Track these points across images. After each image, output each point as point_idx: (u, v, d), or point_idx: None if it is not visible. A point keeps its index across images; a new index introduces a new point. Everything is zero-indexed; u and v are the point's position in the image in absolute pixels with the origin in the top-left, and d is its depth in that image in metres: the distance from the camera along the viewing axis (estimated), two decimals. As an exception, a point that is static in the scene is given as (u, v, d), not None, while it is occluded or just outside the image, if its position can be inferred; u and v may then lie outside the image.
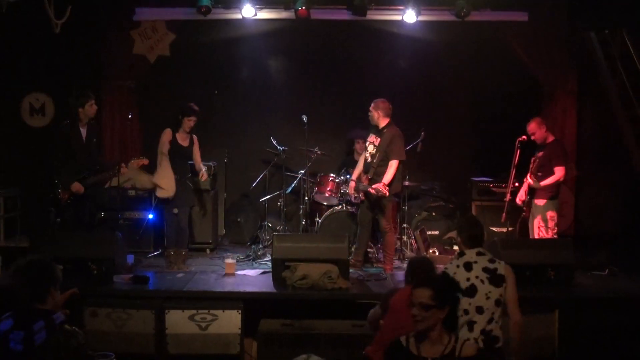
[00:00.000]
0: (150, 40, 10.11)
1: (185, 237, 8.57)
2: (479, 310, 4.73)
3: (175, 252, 8.06)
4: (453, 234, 9.76)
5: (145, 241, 9.24)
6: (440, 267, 5.22)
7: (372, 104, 8.04)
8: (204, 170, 8.38)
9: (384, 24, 10.09)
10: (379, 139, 7.98)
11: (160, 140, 8.25)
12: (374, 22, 10.01)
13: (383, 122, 8.04)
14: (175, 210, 8.36)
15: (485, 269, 4.82)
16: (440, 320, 3.65)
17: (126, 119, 9.19)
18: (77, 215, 8.03)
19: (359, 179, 8.26)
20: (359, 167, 8.36)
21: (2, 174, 9.86)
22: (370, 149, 8.07)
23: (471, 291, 4.76)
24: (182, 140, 8.30)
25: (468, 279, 4.79)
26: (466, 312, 4.73)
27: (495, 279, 4.80)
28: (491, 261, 4.89)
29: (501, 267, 4.86)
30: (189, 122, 8.21)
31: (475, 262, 4.86)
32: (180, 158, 8.29)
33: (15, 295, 3.63)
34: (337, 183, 9.12)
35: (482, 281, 4.78)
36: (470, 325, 4.73)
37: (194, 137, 8.43)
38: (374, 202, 8.03)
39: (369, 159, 8.07)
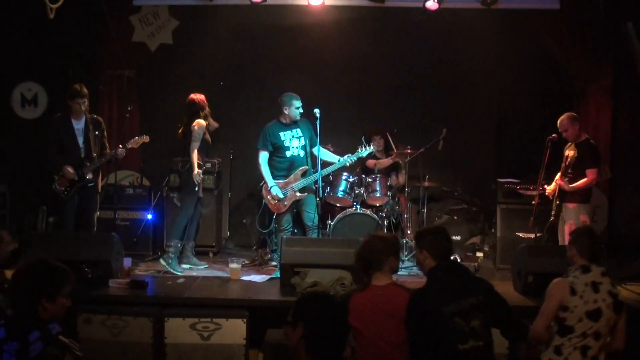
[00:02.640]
0: (151, 26, 10.12)
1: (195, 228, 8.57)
2: (597, 336, 4.80)
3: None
4: (476, 239, 9.74)
5: (144, 243, 9.24)
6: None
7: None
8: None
9: (403, 12, 10.03)
10: None
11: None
12: (392, 9, 9.95)
13: None
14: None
15: (610, 293, 4.88)
16: (298, 341, 3.60)
17: (125, 110, 9.19)
18: (71, 214, 8.07)
19: None
20: None
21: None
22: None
23: (596, 315, 4.80)
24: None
25: (595, 301, 4.81)
26: (584, 335, 4.79)
27: (617, 305, 4.88)
28: (612, 285, 4.95)
29: (620, 293, 4.96)
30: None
31: (601, 284, 4.89)
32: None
33: (14, 299, 3.57)
34: (351, 183, 9.07)
35: (608, 306, 4.83)
36: (584, 350, 4.79)
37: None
38: None
39: None
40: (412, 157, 9.25)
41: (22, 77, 10.31)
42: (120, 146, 8.18)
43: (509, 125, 10.42)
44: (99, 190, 8.46)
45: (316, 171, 8.40)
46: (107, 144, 8.39)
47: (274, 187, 8.40)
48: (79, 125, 8.11)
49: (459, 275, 4.55)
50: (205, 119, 8.29)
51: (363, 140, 8.74)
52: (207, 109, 8.34)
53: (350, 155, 8.56)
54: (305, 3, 9.58)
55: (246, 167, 10.23)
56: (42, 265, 3.62)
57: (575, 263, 5.09)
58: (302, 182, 8.44)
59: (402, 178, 9.67)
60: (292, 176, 8.44)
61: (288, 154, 8.46)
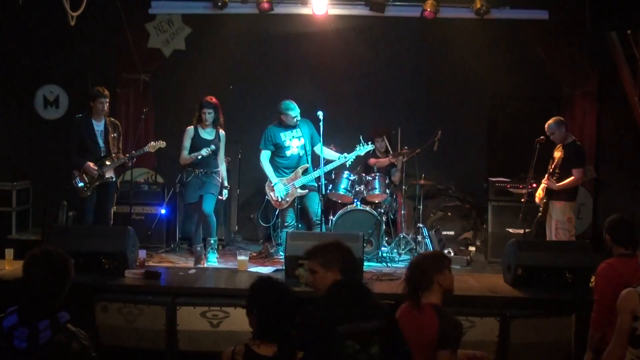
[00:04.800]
0: (165, 33, 10.13)
1: (211, 223, 8.41)
2: None
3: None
4: (469, 234, 9.74)
5: (158, 236, 9.26)
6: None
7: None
8: (221, 171, 8.44)
9: (402, 21, 10.03)
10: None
11: None
12: (391, 18, 9.95)
13: None
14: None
15: None
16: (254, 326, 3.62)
17: (140, 112, 9.21)
18: (90, 209, 8.09)
19: None
20: None
21: (15, 166, 9.91)
22: None
23: None
24: (206, 133, 8.35)
25: None
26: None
27: None
28: None
29: None
30: (204, 115, 8.27)
31: None
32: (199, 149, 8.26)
33: (27, 287, 3.55)
34: (352, 181, 9.08)
35: None
36: None
37: (221, 132, 8.45)
38: None
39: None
40: (409, 157, 9.26)
41: (44, 80, 10.33)
42: (140, 150, 8.23)
43: (500, 128, 10.42)
44: (118, 188, 8.47)
45: (316, 169, 8.44)
46: (121, 147, 8.39)
47: (276, 185, 8.44)
48: (99, 126, 8.12)
49: (361, 295, 3.98)
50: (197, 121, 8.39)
51: (361, 139, 8.74)
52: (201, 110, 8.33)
53: (347, 154, 8.60)
54: (310, 12, 9.59)
55: (254, 166, 10.18)
56: (60, 252, 3.61)
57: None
58: (302, 180, 8.47)
59: (397, 177, 9.69)
60: (293, 174, 8.46)
61: (288, 153, 8.49)
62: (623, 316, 4.27)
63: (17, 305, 3.52)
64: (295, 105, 8.44)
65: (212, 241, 8.34)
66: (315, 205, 8.51)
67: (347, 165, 8.83)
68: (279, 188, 8.43)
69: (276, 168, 8.55)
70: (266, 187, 8.63)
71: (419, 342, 4.10)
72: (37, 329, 3.42)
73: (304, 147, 8.52)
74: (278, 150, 8.52)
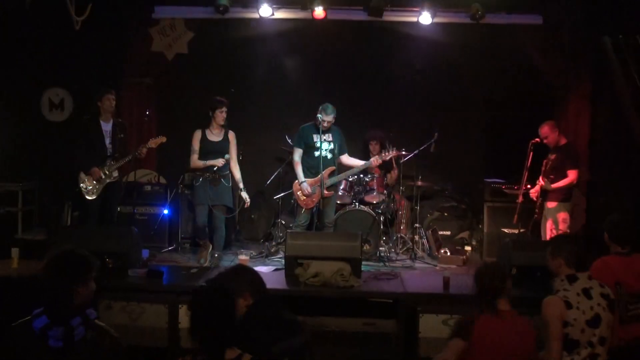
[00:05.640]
0: (168, 37, 10.11)
1: (220, 236, 8.38)
2: (602, 341, 4.46)
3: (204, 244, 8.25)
4: (465, 234, 9.74)
5: (160, 236, 9.25)
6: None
7: None
8: (235, 174, 8.38)
9: (399, 26, 10.03)
10: None
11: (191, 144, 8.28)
12: (389, 23, 9.95)
13: None
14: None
15: (602, 295, 4.55)
16: None
17: (144, 115, 9.20)
18: (95, 209, 8.08)
19: None
20: None
21: (21, 167, 9.90)
22: None
23: (596, 321, 4.46)
24: (214, 135, 8.27)
25: (592, 308, 4.48)
26: (590, 344, 4.44)
27: (611, 304, 4.57)
28: (601, 285, 4.62)
29: (610, 291, 4.61)
30: (222, 113, 8.18)
31: (592, 288, 4.56)
32: (212, 154, 8.18)
33: (50, 289, 3.53)
34: (351, 182, 9.08)
35: (604, 308, 4.50)
36: (594, 359, 4.45)
37: (230, 133, 8.38)
38: None
39: None
40: (407, 159, 9.26)
41: (50, 83, 10.33)
42: (143, 146, 8.18)
43: (496, 130, 10.39)
44: (122, 188, 8.46)
45: (340, 172, 8.59)
46: (128, 148, 8.38)
47: (304, 184, 8.40)
48: (106, 127, 8.12)
49: (280, 312, 3.88)
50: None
51: (369, 146, 8.75)
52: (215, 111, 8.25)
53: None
54: (310, 17, 9.58)
55: (255, 167, 10.23)
56: (72, 255, 3.61)
57: (560, 274, 4.71)
58: (330, 181, 8.44)
59: (394, 174, 9.73)
60: (320, 175, 8.35)
61: (317, 154, 8.39)
62: (554, 323, 4.42)
63: (41, 306, 3.53)
64: (333, 109, 8.34)
65: (215, 254, 8.28)
66: (331, 209, 8.54)
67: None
68: (306, 187, 8.39)
69: (302, 166, 8.53)
70: (294, 187, 8.62)
71: (512, 351, 4.14)
72: (71, 326, 3.44)
73: (332, 150, 8.48)
74: (307, 149, 8.48)
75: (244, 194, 8.36)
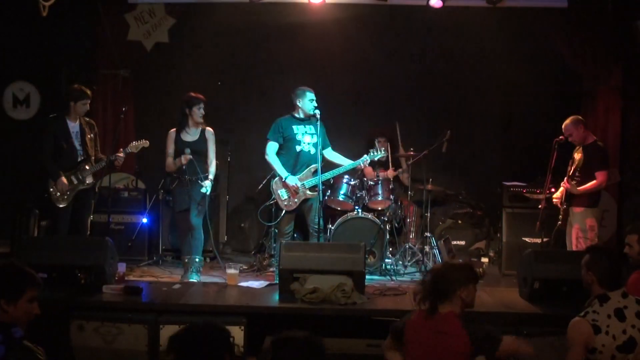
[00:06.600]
0: (147, 25, 10.12)
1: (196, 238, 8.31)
2: None
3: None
4: (481, 244, 9.75)
5: (139, 248, 9.25)
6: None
7: None
8: (208, 180, 8.24)
9: (407, 10, 10.05)
10: None
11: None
12: (396, 7, 9.97)
13: None
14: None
15: (637, 315, 4.44)
16: None
17: (119, 111, 9.21)
18: (65, 218, 8.08)
19: None
20: None
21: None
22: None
23: (630, 346, 4.36)
24: (189, 135, 8.27)
25: (624, 331, 4.37)
26: None
27: None
28: (638, 302, 4.52)
29: None
30: (199, 111, 8.19)
31: (626, 308, 4.46)
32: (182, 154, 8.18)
33: None
34: (353, 186, 9.07)
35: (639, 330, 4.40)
36: None
37: (208, 131, 8.34)
38: None
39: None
40: (416, 160, 9.24)
41: (14, 77, 10.32)
42: (121, 150, 8.19)
43: (515, 127, 10.43)
44: (96, 194, 8.46)
45: (325, 171, 8.39)
46: (99, 149, 8.38)
47: (289, 177, 8.27)
48: (74, 127, 8.11)
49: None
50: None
51: (376, 143, 8.73)
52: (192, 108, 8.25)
53: (367, 155, 8.55)
54: (306, 1, 9.57)
55: (244, 170, 10.24)
56: (6, 267, 3.63)
57: (592, 292, 4.62)
58: (312, 180, 8.31)
59: (404, 177, 9.72)
60: (302, 174, 8.34)
61: (298, 148, 8.35)
62: (574, 349, 4.40)
63: None
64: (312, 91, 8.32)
65: (196, 259, 8.21)
66: (314, 213, 8.42)
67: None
68: (294, 181, 8.26)
69: (282, 165, 8.39)
70: (273, 185, 8.48)
71: (436, 350, 4.26)
72: None
73: (315, 145, 8.34)
74: (287, 143, 8.39)
75: (206, 182, 8.13)
